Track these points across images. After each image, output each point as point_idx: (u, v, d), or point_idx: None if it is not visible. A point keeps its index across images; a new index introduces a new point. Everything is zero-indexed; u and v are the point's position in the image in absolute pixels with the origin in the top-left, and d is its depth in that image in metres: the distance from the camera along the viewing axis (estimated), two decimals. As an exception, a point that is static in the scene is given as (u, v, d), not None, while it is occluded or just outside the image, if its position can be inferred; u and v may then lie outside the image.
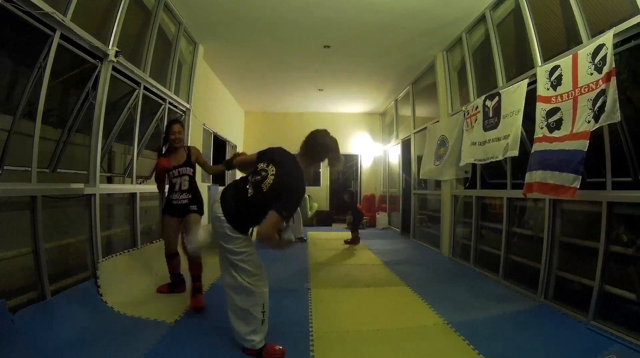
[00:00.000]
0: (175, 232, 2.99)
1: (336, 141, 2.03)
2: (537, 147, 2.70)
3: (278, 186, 1.80)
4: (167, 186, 2.99)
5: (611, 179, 2.34)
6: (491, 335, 2.25)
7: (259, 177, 1.86)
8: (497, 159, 3.33)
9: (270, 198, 1.79)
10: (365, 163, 9.43)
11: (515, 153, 3.07)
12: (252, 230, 1.96)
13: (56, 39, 2.24)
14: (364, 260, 4.65)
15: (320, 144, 1.96)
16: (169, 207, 2.94)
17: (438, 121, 5.12)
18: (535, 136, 2.75)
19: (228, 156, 7.39)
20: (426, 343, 2.16)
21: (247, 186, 1.87)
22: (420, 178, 5.48)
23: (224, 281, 1.95)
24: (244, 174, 2.05)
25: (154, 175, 2.97)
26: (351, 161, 9.54)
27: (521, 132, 3.24)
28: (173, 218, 2.95)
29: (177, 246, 3.02)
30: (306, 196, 8.03)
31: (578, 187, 2.25)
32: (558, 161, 2.41)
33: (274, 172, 1.84)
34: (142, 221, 3.58)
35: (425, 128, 5.58)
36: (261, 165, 1.90)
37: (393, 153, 8.03)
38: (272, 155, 1.94)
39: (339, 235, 6.33)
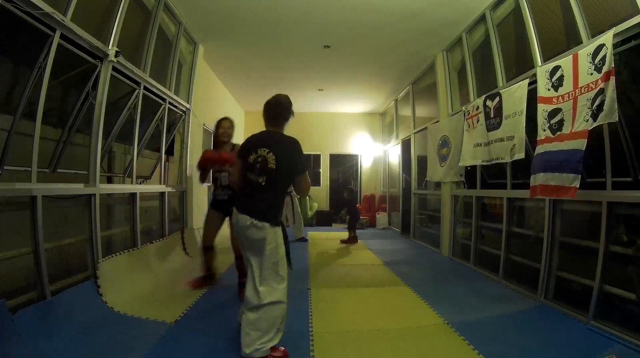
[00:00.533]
0: (215, 226, 3.07)
1: (287, 96, 2.10)
2: (539, 149, 2.70)
3: (284, 158, 1.90)
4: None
5: (611, 179, 2.34)
6: (491, 335, 2.25)
7: (259, 165, 1.90)
8: (505, 161, 3.33)
9: (285, 170, 1.91)
10: (365, 163, 9.43)
11: (522, 155, 3.05)
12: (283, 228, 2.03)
13: (56, 39, 2.24)
14: (364, 260, 4.65)
15: (284, 104, 2.04)
16: (214, 201, 3.08)
17: (438, 121, 5.12)
18: (537, 138, 2.75)
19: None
20: (426, 343, 2.16)
21: (256, 180, 1.91)
22: (428, 179, 5.46)
23: (248, 287, 1.91)
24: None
25: (197, 164, 3.09)
26: (351, 161, 9.55)
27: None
28: (216, 212, 3.05)
29: (214, 240, 3.10)
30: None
31: (578, 186, 2.25)
32: (558, 161, 2.42)
33: (268, 151, 1.90)
34: (142, 221, 3.58)
35: (426, 128, 5.58)
36: (252, 157, 1.93)
37: (393, 153, 8.03)
38: (252, 145, 1.99)
39: (339, 234, 6.32)
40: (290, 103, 2.07)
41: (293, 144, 1.96)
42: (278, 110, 2.02)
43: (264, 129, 2.08)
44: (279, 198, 1.98)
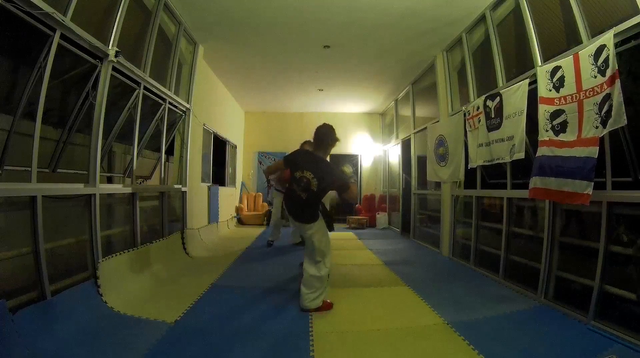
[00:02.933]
0: None
1: (331, 126, 2.64)
2: (544, 151, 2.68)
3: (324, 181, 2.47)
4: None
5: (611, 179, 2.34)
6: (491, 335, 2.25)
7: (302, 184, 2.48)
8: (505, 161, 3.33)
9: (323, 191, 2.52)
10: (365, 163, 9.43)
11: (521, 155, 3.06)
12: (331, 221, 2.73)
13: (56, 39, 2.24)
14: (364, 260, 4.65)
15: (323, 134, 2.59)
16: None
17: (438, 121, 5.13)
18: (540, 139, 2.74)
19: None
20: (426, 343, 2.16)
21: (298, 193, 2.51)
22: (428, 179, 5.45)
23: (305, 262, 2.66)
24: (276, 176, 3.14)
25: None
26: (351, 161, 9.54)
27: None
28: None
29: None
30: None
31: (590, 193, 2.24)
32: (571, 168, 2.41)
33: (312, 176, 2.46)
34: (142, 221, 3.58)
35: (426, 128, 5.58)
36: (298, 173, 2.50)
37: (393, 153, 8.03)
38: (301, 163, 2.53)
39: (339, 234, 6.33)
40: (327, 133, 2.58)
41: (332, 171, 2.53)
42: (317, 137, 2.60)
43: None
44: (311, 207, 2.58)
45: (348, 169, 2.68)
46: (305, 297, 2.59)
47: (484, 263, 3.90)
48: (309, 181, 2.44)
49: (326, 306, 2.66)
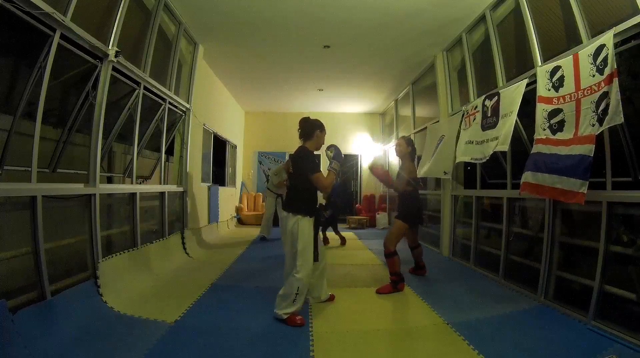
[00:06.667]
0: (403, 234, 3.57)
1: (318, 120, 2.67)
2: (540, 149, 2.67)
3: (295, 163, 2.56)
4: None
5: (611, 179, 2.34)
6: (491, 335, 2.25)
7: (290, 172, 2.74)
8: (489, 155, 3.37)
9: (297, 173, 2.52)
10: (365, 163, 9.43)
11: (504, 148, 3.09)
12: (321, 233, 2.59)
13: (56, 39, 2.24)
14: (364, 260, 4.64)
15: (305, 125, 2.60)
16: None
17: (438, 121, 5.12)
18: (536, 137, 2.73)
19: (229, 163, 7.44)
20: (426, 343, 2.16)
21: (288, 183, 2.73)
22: (419, 176, 5.45)
23: (286, 268, 2.57)
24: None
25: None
26: (351, 161, 9.55)
27: (521, 131, 3.24)
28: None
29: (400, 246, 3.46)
30: None
31: (585, 192, 2.24)
32: (566, 166, 2.40)
33: (292, 161, 2.66)
34: (142, 221, 3.58)
35: (425, 128, 5.58)
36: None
37: (393, 153, 8.02)
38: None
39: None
40: (305, 123, 2.59)
41: (300, 152, 2.53)
42: (299, 128, 2.62)
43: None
44: (298, 194, 2.51)
45: (330, 152, 2.48)
46: (278, 303, 2.46)
47: (484, 263, 3.90)
48: (289, 166, 2.68)
49: (292, 322, 2.37)
